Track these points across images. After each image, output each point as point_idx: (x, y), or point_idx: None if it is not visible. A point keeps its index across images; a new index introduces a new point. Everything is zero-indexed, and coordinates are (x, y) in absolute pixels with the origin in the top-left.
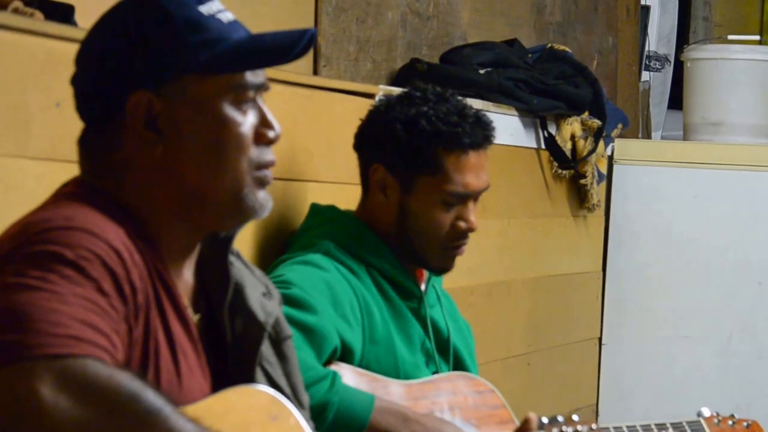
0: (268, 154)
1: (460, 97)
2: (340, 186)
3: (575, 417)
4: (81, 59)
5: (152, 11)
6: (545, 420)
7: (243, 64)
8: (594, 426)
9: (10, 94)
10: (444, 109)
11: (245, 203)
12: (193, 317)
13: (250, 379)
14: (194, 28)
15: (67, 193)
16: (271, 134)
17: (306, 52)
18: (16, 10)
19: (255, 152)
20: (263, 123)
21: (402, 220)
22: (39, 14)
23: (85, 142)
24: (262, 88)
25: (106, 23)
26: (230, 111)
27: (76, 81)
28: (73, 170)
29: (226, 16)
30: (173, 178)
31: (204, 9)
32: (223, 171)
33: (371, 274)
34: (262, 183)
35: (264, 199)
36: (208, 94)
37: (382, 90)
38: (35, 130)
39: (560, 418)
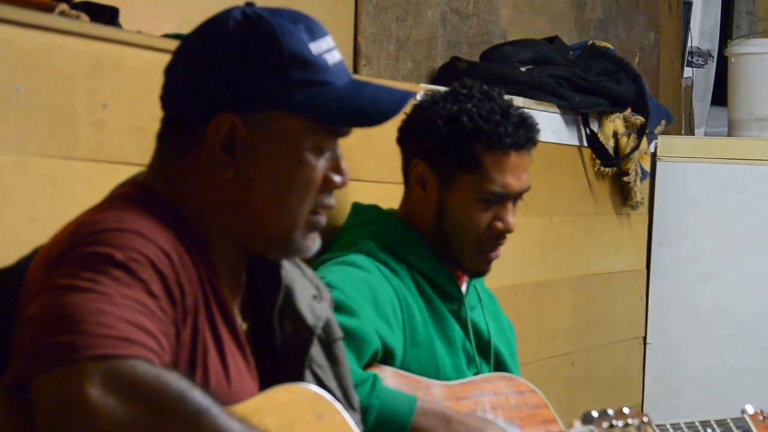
0: (330, 198)
1: (507, 97)
2: (381, 185)
3: (626, 410)
4: (180, 56)
5: (263, 37)
6: (595, 413)
7: (335, 118)
8: (645, 419)
9: (58, 96)
10: (488, 108)
11: (293, 245)
12: (242, 325)
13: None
14: (299, 64)
15: (122, 195)
16: (338, 181)
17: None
18: (62, 13)
19: (318, 197)
20: (335, 168)
21: (439, 217)
22: (84, 17)
23: (162, 137)
24: (345, 135)
25: (216, 32)
26: (309, 154)
27: (170, 73)
28: (120, 172)
29: (333, 57)
30: (234, 202)
31: (314, 47)
32: (284, 209)
33: (412, 274)
34: (314, 227)
35: (312, 241)
36: (293, 133)
37: (423, 88)
38: (82, 131)
39: (610, 411)
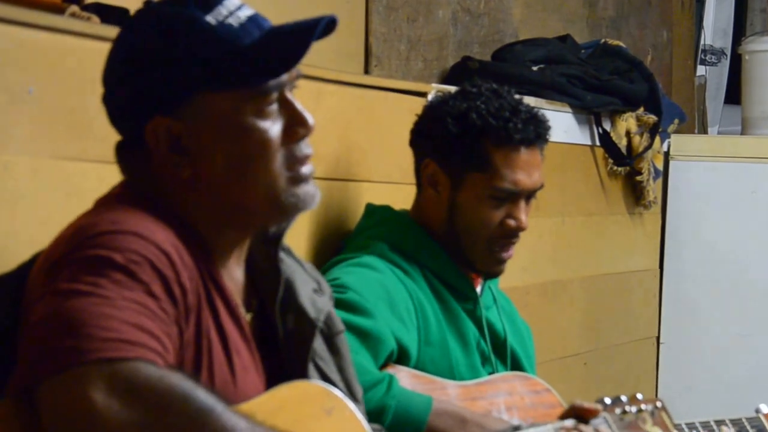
0: (303, 148)
1: (517, 96)
2: (394, 186)
3: (639, 395)
4: (103, 81)
5: (156, 33)
6: (608, 400)
7: (257, 77)
8: (659, 404)
9: (70, 98)
10: (496, 104)
11: (286, 204)
12: (246, 316)
13: (303, 375)
14: (200, 42)
15: (117, 195)
16: (302, 131)
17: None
18: (73, 15)
19: (286, 152)
20: (294, 119)
21: (451, 216)
22: (95, 18)
23: (120, 155)
24: (287, 84)
25: (118, 46)
26: (252, 120)
27: (103, 101)
28: None
29: (238, 18)
30: (207, 194)
31: (212, 17)
32: (254, 181)
33: (425, 275)
34: (299, 180)
35: (306, 193)
36: (225, 110)
37: (434, 88)
38: (95, 133)
39: (624, 398)
